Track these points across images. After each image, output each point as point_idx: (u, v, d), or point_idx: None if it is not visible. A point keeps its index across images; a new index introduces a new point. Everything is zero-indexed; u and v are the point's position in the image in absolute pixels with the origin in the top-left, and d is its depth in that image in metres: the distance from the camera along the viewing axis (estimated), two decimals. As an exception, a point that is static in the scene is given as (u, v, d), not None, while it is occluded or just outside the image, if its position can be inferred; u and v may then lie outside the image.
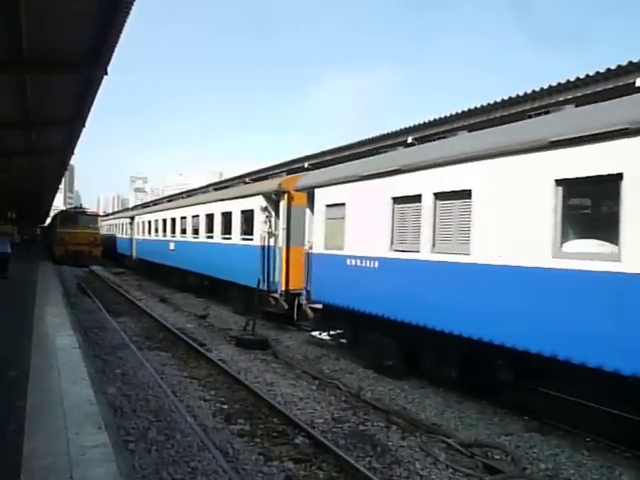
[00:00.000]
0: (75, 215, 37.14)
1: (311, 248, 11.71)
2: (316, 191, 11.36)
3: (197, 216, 20.17)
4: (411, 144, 12.99)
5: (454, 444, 6.38)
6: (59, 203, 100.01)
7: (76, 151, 21.26)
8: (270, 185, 14.72)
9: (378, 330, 9.54)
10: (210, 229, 18.62)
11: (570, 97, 9.56)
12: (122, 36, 9.25)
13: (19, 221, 55.06)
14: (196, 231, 20.26)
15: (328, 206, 10.88)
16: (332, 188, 10.75)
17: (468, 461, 6.01)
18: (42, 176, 28.38)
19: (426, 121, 13.21)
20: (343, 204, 10.30)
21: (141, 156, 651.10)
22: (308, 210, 12.14)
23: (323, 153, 17.92)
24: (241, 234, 15.92)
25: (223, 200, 17.82)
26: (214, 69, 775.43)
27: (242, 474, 5.38)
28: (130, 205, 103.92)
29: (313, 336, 12.66)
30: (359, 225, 9.91)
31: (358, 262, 9.73)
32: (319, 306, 11.50)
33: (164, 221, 25.13)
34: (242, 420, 6.97)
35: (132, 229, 32.80)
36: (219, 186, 26.87)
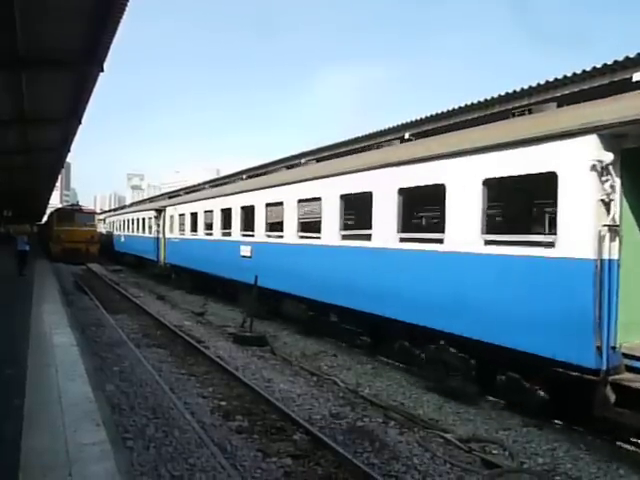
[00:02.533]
0: (72, 213, 37.02)
1: None
2: None
3: (313, 200, 11.51)
4: (408, 139, 12.98)
5: (452, 439, 6.40)
6: (56, 201, 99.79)
7: (72, 149, 21.18)
8: None
9: None
10: (364, 223, 10.06)
11: (567, 92, 9.55)
12: (118, 32, 9.21)
13: (16, 219, 54.87)
14: (310, 227, 11.93)
15: None
16: None
17: (466, 456, 6.03)
18: (38, 174, 28.24)
19: (423, 117, 13.19)
20: None
21: (137, 153, 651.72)
22: None
23: (320, 149, 17.88)
24: (485, 232, 7.36)
25: (406, 164, 8.86)
26: (209, 66, 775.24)
27: (240, 470, 5.39)
28: (127, 202, 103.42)
29: None
30: None
31: None
32: None
33: (225, 212, 16.81)
34: (240, 417, 6.97)
35: (160, 225, 25.14)
36: (219, 182, 25.83)
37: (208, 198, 19.13)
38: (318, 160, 15.13)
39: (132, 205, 47.50)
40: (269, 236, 13.69)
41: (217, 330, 13.34)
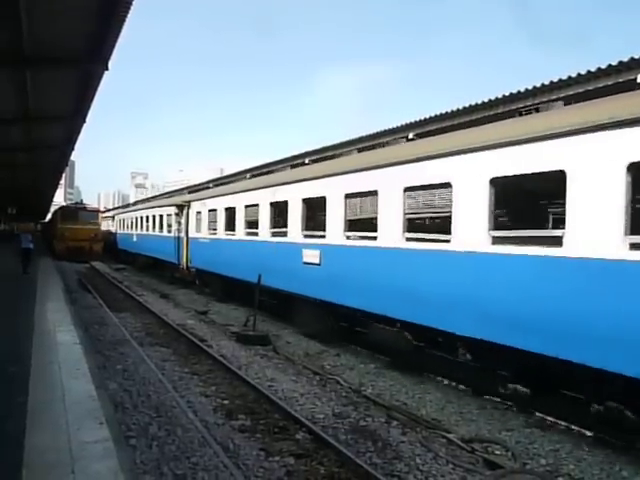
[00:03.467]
0: (76, 211, 37.14)
1: None
2: None
3: (437, 188, 8.32)
4: (412, 139, 12.98)
5: (454, 439, 6.40)
6: (60, 199, 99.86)
7: (76, 147, 21.21)
8: None
9: None
10: (542, 219, 8.64)
11: (572, 93, 9.53)
12: (123, 31, 9.22)
13: (20, 217, 55.05)
14: (426, 226, 9.72)
15: None
16: None
17: (469, 456, 6.03)
18: (42, 172, 28.31)
19: (427, 117, 13.20)
20: None
21: (141, 152, 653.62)
22: None
23: (324, 149, 17.88)
24: None
25: None
26: (211, 65, 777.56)
27: (243, 469, 5.39)
28: (131, 200, 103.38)
29: None
30: None
31: None
32: None
33: (277, 207, 13.56)
34: (243, 416, 6.98)
35: (182, 223, 22.09)
36: (222, 181, 25.30)
37: (251, 190, 15.45)
38: (412, 138, 11.58)
39: (147, 200, 43.80)
40: (349, 237, 10.44)
41: (220, 329, 13.35)
